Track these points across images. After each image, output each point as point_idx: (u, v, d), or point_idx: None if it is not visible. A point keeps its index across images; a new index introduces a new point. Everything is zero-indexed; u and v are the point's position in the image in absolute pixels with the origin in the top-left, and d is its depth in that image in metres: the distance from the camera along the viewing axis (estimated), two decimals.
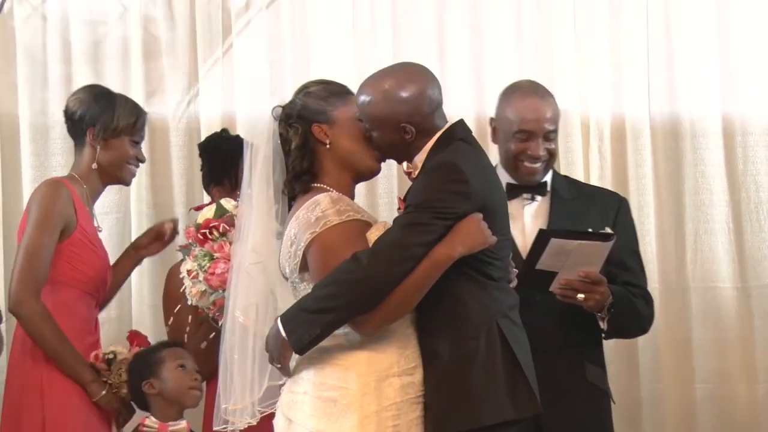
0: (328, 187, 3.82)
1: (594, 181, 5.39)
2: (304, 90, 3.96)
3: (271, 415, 3.91)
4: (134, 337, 4.79)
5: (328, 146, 3.83)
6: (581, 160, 5.51)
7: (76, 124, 4.73)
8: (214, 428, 3.90)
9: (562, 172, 5.11)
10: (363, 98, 3.90)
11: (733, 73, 5.52)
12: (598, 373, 4.47)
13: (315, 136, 3.85)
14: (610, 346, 5.10)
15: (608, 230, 4.32)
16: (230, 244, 4.46)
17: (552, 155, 4.46)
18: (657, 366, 5.45)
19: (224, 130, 5.19)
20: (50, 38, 5.65)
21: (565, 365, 4.33)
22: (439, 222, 3.65)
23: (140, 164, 4.85)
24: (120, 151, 4.73)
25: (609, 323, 4.31)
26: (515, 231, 4.24)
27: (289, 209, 3.90)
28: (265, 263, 3.86)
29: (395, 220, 3.74)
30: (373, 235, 3.76)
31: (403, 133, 3.85)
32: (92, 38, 5.67)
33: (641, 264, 4.58)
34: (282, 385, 3.85)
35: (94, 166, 4.72)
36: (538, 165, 4.40)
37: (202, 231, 4.56)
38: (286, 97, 4.09)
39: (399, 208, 3.89)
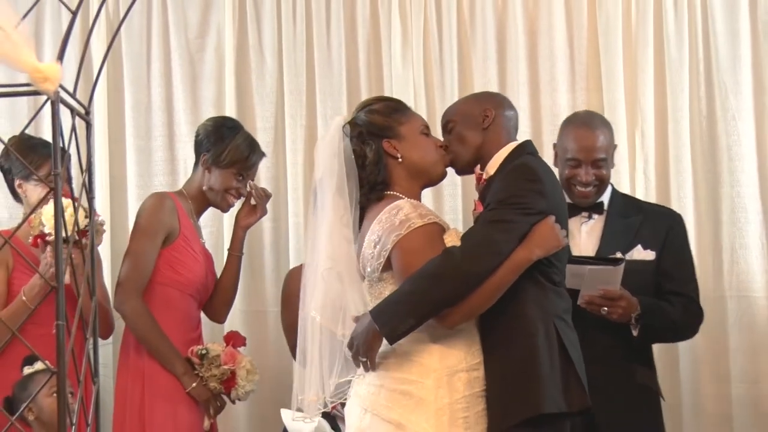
0: (400, 195, 3.93)
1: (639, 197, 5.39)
2: (367, 107, 4.07)
3: None
4: (231, 337, 4.91)
5: (399, 160, 3.96)
6: (628, 182, 5.54)
7: (196, 147, 4.91)
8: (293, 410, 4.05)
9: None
10: (452, 106, 4.06)
11: (765, 102, 5.55)
12: (647, 373, 4.61)
13: (386, 151, 3.96)
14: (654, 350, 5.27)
15: (619, 255, 4.46)
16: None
17: (602, 180, 4.57)
18: (696, 368, 5.47)
19: None
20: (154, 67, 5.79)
21: (614, 366, 4.45)
22: (521, 218, 3.77)
23: (241, 197, 4.97)
24: (224, 180, 4.88)
25: (640, 330, 4.45)
26: (572, 248, 4.39)
27: (360, 217, 3.98)
28: (339, 269, 3.90)
29: (480, 218, 3.85)
30: (447, 241, 3.83)
31: (482, 119, 4.00)
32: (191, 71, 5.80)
33: (690, 274, 4.71)
34: (350, 381, 3.94)
35: (205, 187, 4.90)
36: (588, 189, 4.55)
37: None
38: None
39: (474, 210, 3.99)
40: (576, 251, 4.50)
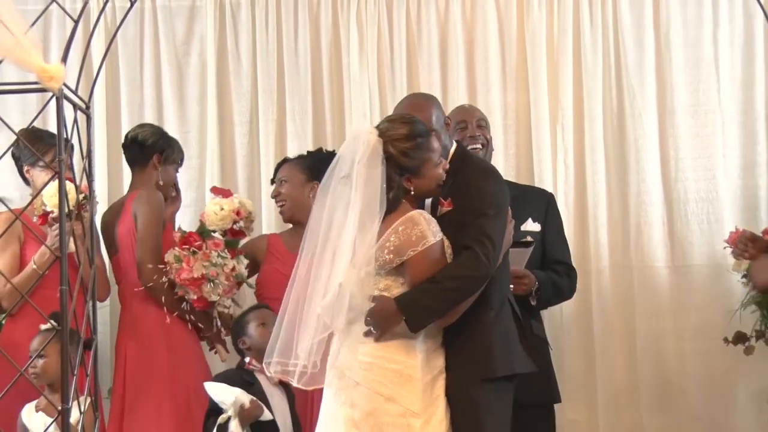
0: (407, 204, 3.80)
1: (560, 187, 5.53)
2: (395, 141, 3.80)
3: None
4: (217, 190, 5.01)
5: (411, 192, 3.81)
6: (551, 170, 5.55)
7: (147, 149, 4.95)
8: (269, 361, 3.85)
9: (536, 182, 5.36)
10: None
11: (669, 109, 5.59)
12: (538, 326, 4.66)
13: (404, 183, 3.78)
14: (571, 311, 5.45)
15: (529, 239, 4.50)
16: (194, 261, 4.72)
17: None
18: (607, 328, 5.51)
19: None
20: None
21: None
22: (504, 220, 3.86)
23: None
24: (171, 174, 5.00)
25: (537, 301, 4.53)
26: None
27: None
28: (359, 276, 3.75)
29: (483, 223, 3.76)
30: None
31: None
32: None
33: (566, 244, 4.79)
34: (325, 339, 3.80)
35: (161, 182, 4.94)
36: None
37: (183, 241, 4.79)
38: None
39: (441, 206, 3.90)
40: None
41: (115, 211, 4.98)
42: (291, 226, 5.11)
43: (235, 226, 4.91)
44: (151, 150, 4.98)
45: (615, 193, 5.62)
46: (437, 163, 3.85)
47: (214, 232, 4.91)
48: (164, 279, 4.75)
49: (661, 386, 5.51)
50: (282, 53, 5.73)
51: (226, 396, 4.43)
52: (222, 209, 4.88)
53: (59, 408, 3.31)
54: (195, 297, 4.77)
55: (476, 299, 3.80)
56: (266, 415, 4.49)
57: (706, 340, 5.41)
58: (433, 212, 3.91)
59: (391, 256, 3.73)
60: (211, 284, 4.75)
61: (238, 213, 4.89)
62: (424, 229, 3.74)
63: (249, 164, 5.72)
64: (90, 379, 3.65)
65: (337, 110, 5.72)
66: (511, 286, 4.34)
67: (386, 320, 3.72)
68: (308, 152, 5.24)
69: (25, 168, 4.87)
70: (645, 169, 5.60)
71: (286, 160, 5.18)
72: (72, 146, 3.79)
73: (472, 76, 5.68)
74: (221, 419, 4.41)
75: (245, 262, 4.92)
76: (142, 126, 5.16)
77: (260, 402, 4.48)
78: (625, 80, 5.64)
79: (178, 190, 5.16)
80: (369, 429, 3.72)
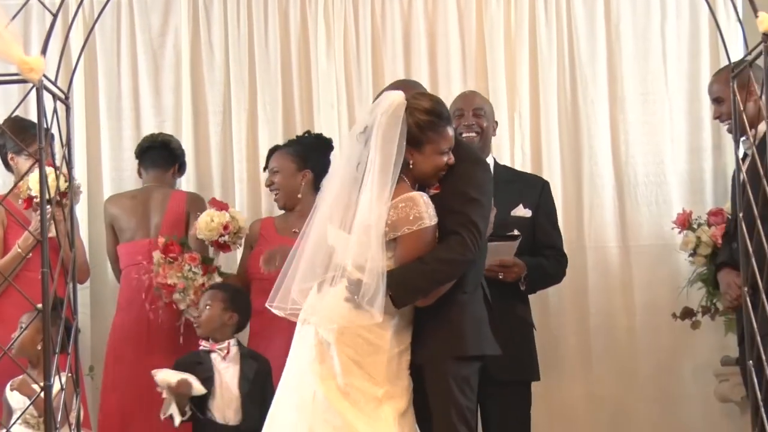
0: (407, 182, 3.77)
1: (517, 168, 5.42)
2: (415, 111, 3.77)
3: None
4: (214, 203, 5.03)
5: (410, 166, 3.78)
6: (508, 154, 5.56)
7: (177, 156, 5.26)
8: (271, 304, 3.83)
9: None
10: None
11: (620, 97, 5.61)
12: (524, 309, 4.64)
13: (405, 154, 3.76)
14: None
15: (516, 232, 4.46)
16: (169, 269, 4.80)
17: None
18: (561, 305, 5.52)
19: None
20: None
21: (501, 305, 4.30)
22: (488, 206, 3.88)
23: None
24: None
25: (526, 286, 4.53)
26: None
27: None
28: (373, 225, 3.71)
29: (470, 210, 3.75)
30: None
31: None
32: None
33: (558, 229, 4.76)
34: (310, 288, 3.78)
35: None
36: None
37: (165, 249, 4.86)
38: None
39: (428, 187, 3.86)
40: None
41: (145, 201, 5.10)
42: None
43: (220, 239, 4.88)
44: (176, 158, 5.20)
45: (569, 177, 5.62)
46: (443, 152, 3.80)
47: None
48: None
49: (612, 359, 5.53)
50: (253, 46, 5.72)
51: (158, 378, 4.47)
52: (212, 221, 4.87)
53: (41, 384, 3.28)
54: (167, 301, 4.83)
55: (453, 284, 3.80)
56: (197, 390, 4.50)
57: (655, 316, 5.44)
58: None
59: (387, 229, 3.69)
60: (181, 294, 4.78)
61: (225, 227, 4.87)
62: (422, 210, 3.71)
63: (222, 151, 5.71)
64: (71, 357, 3.62)
65: (305, 100, 5.70)
66: (501, 275, 4.40)
67: (372, 297, 3.67)
68: (297, 137, 5.22)
69: (10, 156, 4.86)
70: (597, 154, 5.62)
71: (276, 148, 5.14)
72: (52, 135, 3.76)
73: (434, 67, 5.68)
74: (165, 402, 4.47)
75: (217, 280, 4.90)
76: (169, 135, 5.32)
77: (189, 380, 4.48)
78: (578, 70, 5.65)
79: None
80: (335, 387, 3.70)
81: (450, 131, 3.82)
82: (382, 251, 3.69)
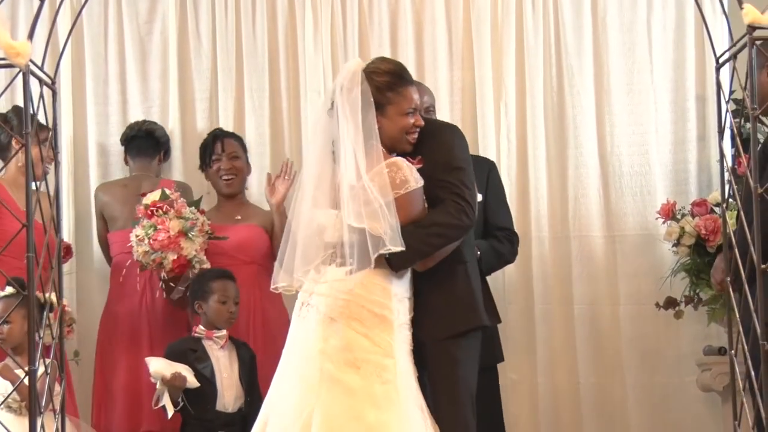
0: (384, 150, 3.78)
1: (503, 161, 5.49)
2: (373, 74, 3.81)
3: None
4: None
5: (378, 130, 3.78)
6: (494, 144, 5.54)
7: (162, 144, 5.31)
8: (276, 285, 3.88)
9: (481, 154, 5.24)
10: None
11: (606, 88, 5.59)
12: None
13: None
14: (513, 278, 5.47)
15: None
16: (169, 220, 4.70)
17: None
18: (547, 293, 5.51)
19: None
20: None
21: None
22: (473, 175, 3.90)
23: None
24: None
25: (480, 269, 4.38)
26: None
27: None
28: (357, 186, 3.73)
29: (460, 177, 3.81)
30: None
31: None
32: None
33: (508, 210, 4.75)
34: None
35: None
36: None
37: (150, 209, 4.75)
38: None
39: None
40: None
41: (136, 190, 5.10)
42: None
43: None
44: (161, 146, 5.26)
45: (554, 166, 5.60)
46: (407, 113, 3.80)
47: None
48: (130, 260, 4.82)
49: (596, 348, 5.52)
50: (240, 34, 5.69)
51: (152, 369, 4.48)
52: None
53: (26, 369, 3.28)
54: (174, 257, 4.74)
55: (451, 254, 3.82)
56: (191, 383, 4.51)
57: (638, 305, 5.45)
58: None
59: (374, 195, 3.70)
60: (189, 240, 4.75)
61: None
62: (407, 174, 3.74)
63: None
64: (56, 343, 3.61)
65: (292, 88, 5.68)
66: None
67: (364, 259, 3.70)
68: (234, 133, 5.34)
69: (14, 141, 4.84)
70: (583, 144, 5.60)
71: (223, 134, 5.23)
72: (38, 121, 3.75)
73: (421, 56, 5.65)
74: (157, 392, 4.48)
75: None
76: (154, 123, 5.34)
77: (184, 373, 4.49)
78: (565, 61, 5.63)
79: None
80: (343, 362, 3.69)
81: (412, 91, 3.82)
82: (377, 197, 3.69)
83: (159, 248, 4.74)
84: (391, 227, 3.69)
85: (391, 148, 3.85)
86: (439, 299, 3.85)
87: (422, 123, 3.87)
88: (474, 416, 3.85)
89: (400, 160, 3.77)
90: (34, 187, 3.42)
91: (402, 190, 3.72)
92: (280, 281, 3.83)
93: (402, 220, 3.72)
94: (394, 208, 3.71)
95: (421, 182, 3.77)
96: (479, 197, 4.46)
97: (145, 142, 5.24)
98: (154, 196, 4.84)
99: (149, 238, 4.73)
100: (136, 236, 4.77)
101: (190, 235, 4.76)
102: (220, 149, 5.14)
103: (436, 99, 4.92)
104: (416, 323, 3.87)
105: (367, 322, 3.72)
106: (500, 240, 4.64)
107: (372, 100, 3.76)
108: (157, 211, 4.77)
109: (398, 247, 3.68)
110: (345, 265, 3.74)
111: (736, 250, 3.54)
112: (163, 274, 4.83)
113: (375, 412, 3.64)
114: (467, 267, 3.90)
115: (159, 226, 4.74)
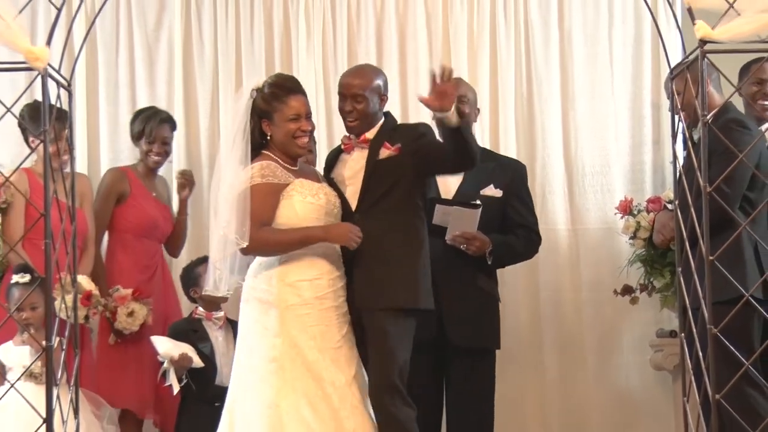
0: (273, 156, 3.86)
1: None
2: (263, 89, 3.91)
3: None
4: (138, 291, 4.74)
5: (269, 137, 3.88)
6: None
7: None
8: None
9: None
10: (357, 79, 3.91)
11: (571, 96, 5.61)
12: (488, 282, 4.56)
13: (263, 128, 3.89)
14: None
15: (477, 201, 4.41)
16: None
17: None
18: (515, 279, 5.45)
19: None
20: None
21: (465, 277, 4.42)
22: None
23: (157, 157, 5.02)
24: (141, 150, 5.01)
25: (493, 261, 4.47)
26: (442, 186, 4.44)
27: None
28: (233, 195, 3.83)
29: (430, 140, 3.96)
30: (288, 190, 3.85)
31: (380, 101, 3.96)
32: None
33: (531, 209, 4.69)
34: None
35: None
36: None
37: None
38: None
39: (386, 147, 3.92)
40: (443, 188, 4.48)
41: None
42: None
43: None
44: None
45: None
46: (291, 119, 3.85)
47: None
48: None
49: (559, 330, 5.56)
50: (240, 42, 5.68)
51: (161, 350, 4.47)
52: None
53: (43, 344, 3.29)
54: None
55: (405, 232, 3.86)
56: (197, 363, 4.53)
57: (598, 292, 5.47)
58: (374, 156, 3.94)
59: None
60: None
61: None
62: (255, 172, 3.80)
63: (210, 137, 5.67)
64: (71, 324, 3.63)
65: None
66: (463, 246, 4.35)
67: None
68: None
69: (30, 138, 4.83)
70: (549, 146, 5.62)
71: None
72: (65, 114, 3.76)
73: (404, 64, 5.65)
74: (162, 369, 4.48)
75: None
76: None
77: (190, 354, 4.51)
78: (534, 71, 5.64)
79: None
80: (246, 349, 3.84)
81: (294, 100, 3.87)
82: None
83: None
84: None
85: (284, 152, 3.92)
86: (382, 272, 3.85)
87: (309, 128, 3.92)
88: (403, 385, 3.81)
89: (260, 163, 3.85)
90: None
91: (246, 184, 3.81)
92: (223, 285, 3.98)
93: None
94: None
95: (269, 180, 3.81)
96: (498, 193, 4.52)
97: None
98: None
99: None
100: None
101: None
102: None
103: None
104: (357, 292, 3.89)
105: (261, 310, 3.81)
106: (518, 237, 4.59)
107: (261, 112, 3.89)
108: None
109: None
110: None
111: (687, 243, 3.56)
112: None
113: (269, 391, 3.72)
114: (422, 249, 3.91)
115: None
